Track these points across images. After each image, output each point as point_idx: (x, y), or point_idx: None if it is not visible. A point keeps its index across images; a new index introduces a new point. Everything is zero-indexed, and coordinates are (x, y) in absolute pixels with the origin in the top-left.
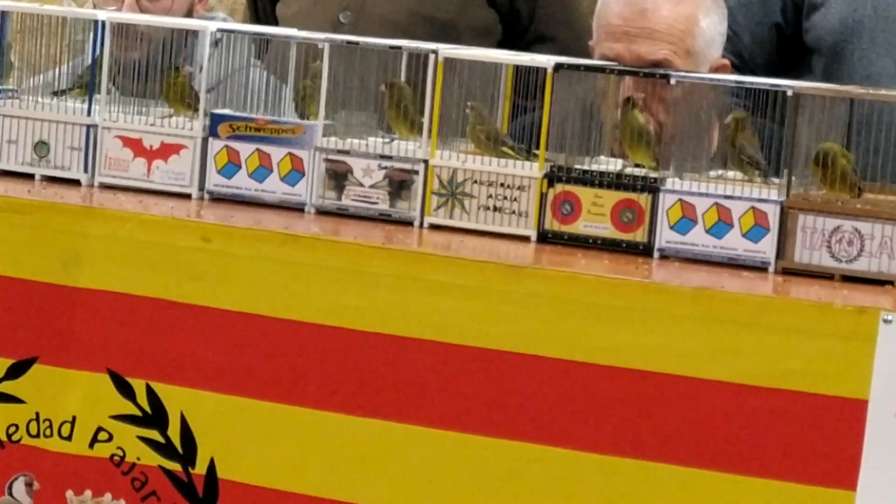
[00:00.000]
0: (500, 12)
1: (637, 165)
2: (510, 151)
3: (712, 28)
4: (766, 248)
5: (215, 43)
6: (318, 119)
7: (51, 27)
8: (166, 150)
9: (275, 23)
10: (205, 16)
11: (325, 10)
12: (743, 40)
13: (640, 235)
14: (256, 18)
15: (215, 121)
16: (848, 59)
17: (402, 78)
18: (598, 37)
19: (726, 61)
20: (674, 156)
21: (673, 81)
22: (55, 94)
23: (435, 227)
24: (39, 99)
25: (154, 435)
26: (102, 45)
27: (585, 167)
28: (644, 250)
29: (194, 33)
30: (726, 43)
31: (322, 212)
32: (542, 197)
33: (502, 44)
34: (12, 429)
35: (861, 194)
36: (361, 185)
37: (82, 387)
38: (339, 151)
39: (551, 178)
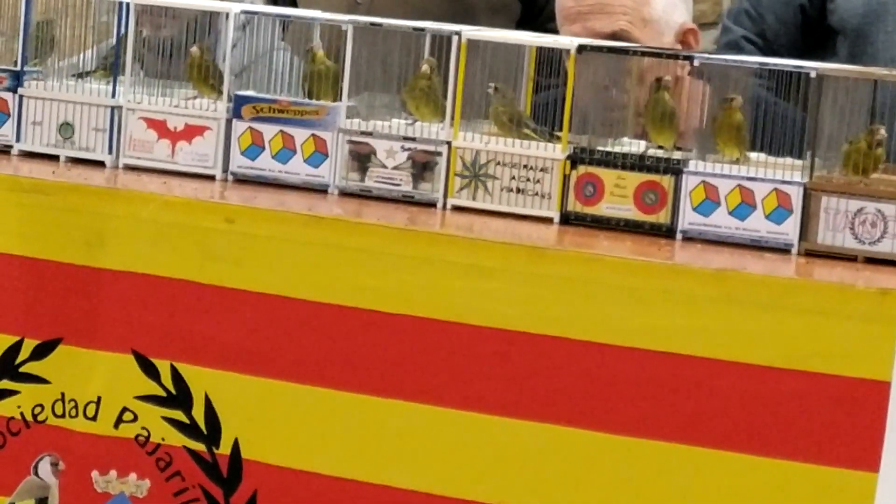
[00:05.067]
0: None
1: (659, 147)
2: (532, 133)
3: None
4: (788, 229)
5: (243, 26)
6: (342, 101)
7: (76, 9)
8: (190, 132)
9: (293, 6)
10: None
11: None
12: (767, 21)
13: (662, 217)
14: (274, 1)
15: (239, 102)
16: (872, 41)
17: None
18: (558, 23)
19: (693, 25)
20: (697, 137)
21: (697, 63)
22: (79, 76)
23: (458, 209)
24: (64, 80)
25: (178, 415)
26: (127, 26)
27: (608, 149)
28: (667, 232)
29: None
30: (750, 23)
31: (345, 193)
32: (565, 179)
33: (520, 22)
34: (38, 409)
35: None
36: (384, 166)
37: (107, 367)
38: (363, 133)
39: (574, 159)
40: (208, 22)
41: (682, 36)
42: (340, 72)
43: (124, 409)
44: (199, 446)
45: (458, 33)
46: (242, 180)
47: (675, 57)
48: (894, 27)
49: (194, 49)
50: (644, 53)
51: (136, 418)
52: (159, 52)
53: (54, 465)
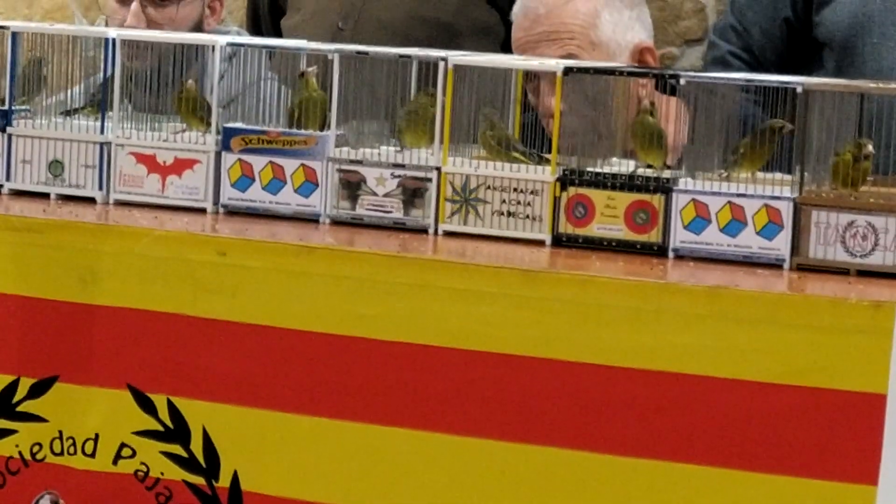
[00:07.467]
0: (501, 12)
1: (648, 166)
2: (521, 156)
3: (617, 15)
4: (780, 244)
5: (229, 58)
6: (330, 129)
7: (62, 46)
8: (180, 166)
9: (277, 36)
10: (218, 29)
11: (324, 18)
12: (753, 36)
13: (654, 236)
14: (258, 33)
15: (228, 134)
16: (859, 53)
17: (412, 86)
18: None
19: (650, 44)
20: (686, 156)
21: (683, 81)
22: (67, 113)
23: (449, 234)
24: (53, 118)
25: (177, 449)
26: (114, 62)
27: (598, 169)
28: (658, 251)
29: (203, 45)
30: (736, 38)
31: (336, 222)
32: (556, 200)
33: (504, 44)
34: (36, 447)
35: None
36: (375, 194)
37: (104, 403)
38: (352, 161)
39: (564, 181)
40: (190, 53)
41: (639, 55)
42: (328, 100)
43: (122, 445)
44: (199, 480)
45: (445, 59)
46: (233, 212)
47: (662, 77)
48: (880, 38)
49: (190, 83)
50: (630, 73)
51: (134, 454)
52: (146, 85)
53: (55, 503)
